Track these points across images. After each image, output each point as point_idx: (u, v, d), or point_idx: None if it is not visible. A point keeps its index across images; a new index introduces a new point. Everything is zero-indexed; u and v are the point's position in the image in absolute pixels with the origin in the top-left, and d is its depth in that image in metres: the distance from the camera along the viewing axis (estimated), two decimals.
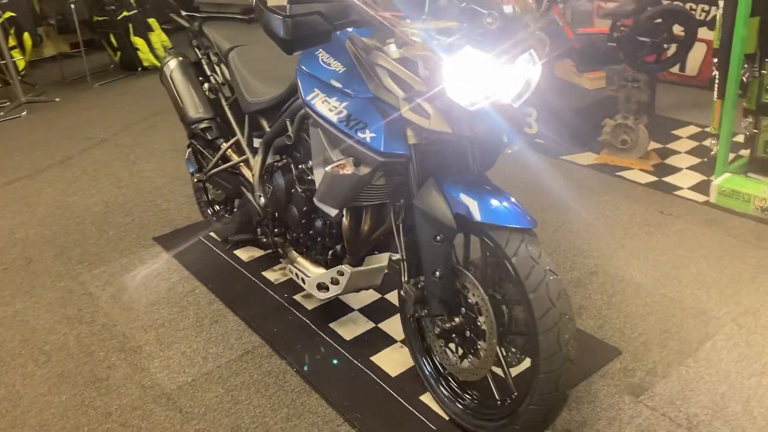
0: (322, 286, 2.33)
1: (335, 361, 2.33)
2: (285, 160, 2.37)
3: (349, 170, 1.85)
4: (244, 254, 3.08)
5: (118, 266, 3.09)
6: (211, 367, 2.38)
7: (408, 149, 1.80)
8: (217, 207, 3.23)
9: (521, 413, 1.75)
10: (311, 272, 2.36)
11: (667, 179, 3.44)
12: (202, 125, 2.74)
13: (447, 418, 2.05)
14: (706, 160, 3.58)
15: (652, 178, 3.46)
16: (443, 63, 1.63)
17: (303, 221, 2.31)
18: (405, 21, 1.74)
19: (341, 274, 2.26)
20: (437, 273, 1.83)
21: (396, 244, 2.01)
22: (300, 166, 2.28)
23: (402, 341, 2.41)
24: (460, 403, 2.00)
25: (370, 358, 2.34)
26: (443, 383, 2.06)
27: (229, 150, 2.72)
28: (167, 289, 2.88)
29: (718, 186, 3.09)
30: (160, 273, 3.00)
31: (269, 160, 2.48)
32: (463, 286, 1.85)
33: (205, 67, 2.88)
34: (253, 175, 2.58)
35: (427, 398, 2.13)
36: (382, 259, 2.34)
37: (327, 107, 1.89)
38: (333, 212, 2.04)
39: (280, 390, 2.23)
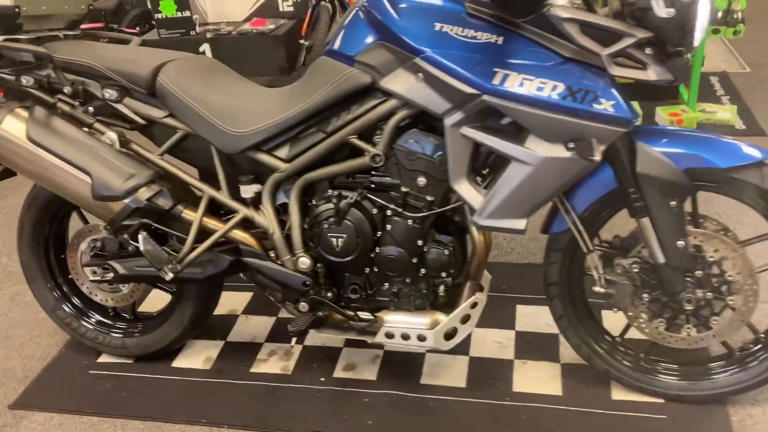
0: (449, 334, 1.80)
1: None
2: (352, 195, 1.71)
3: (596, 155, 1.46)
4: (173, 362, 2.16)
5: None
6: None
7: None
8: (110, 321, 2.17)
9: None
10: (425, 323, 1.80)
11: None
12: (146, 193, 1.76)
13: (661, 400, 1.85)
14: None
15: None
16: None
17: (414, 261, 1.73)
18: None
19: (474, 305, 1.79)
20: (680, 243, 1.61)
21: None
22: (402, 190, 1.68)
23: (520, 357, 2.05)
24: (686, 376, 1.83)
25: (514, 390, 1.93)
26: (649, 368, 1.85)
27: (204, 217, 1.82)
28: None
29: None
30: None
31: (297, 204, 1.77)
32: (696, 246, 1.67)
33: (77, 112, 1.84)
34: (270, 236, 1.80)
35: (617, 392, 1.88)
36: None
37: (533, 86, 1.44)
38: (522, 225, 1.59)
39: None
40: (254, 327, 2.29)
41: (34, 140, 1.78)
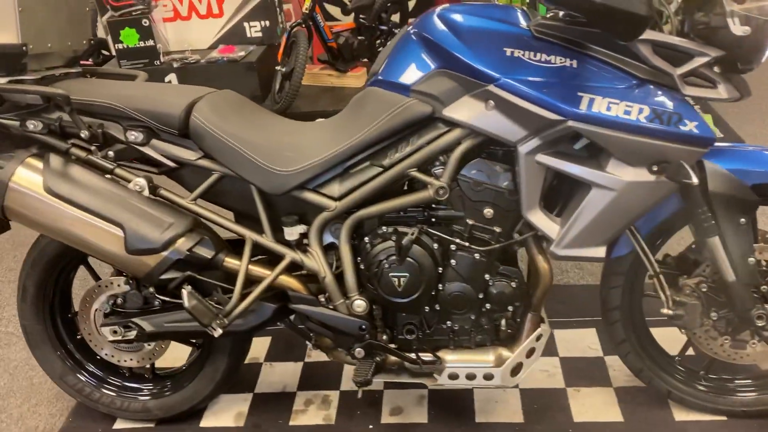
0: (514, 370, 1.72)
1: None
2: (412, 230, 1.61)
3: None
4: (201, 422, 1.99)
5: None
6: None
7: None
8: (132, 384, 1.97)
9: None
10: (490, 360, 1.71)
11: None
12: (187, 243, 1.60)
13: (724, 417, 1.83)
14: None
15: None
16: None
17: (480, 296, 1.65)
18: None
19: (539, 338, 1.72)
20: (751, 259, 1.60)
21: None
22: (468, 222, 1.59)
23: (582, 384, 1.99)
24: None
25: (575, 421, 1.87)
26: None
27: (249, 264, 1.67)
28: None
29: None
30: None
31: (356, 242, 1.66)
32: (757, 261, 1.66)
33: (94, 157, 1.67)
34: (321, 279, 1.67)
35: (679, 413, 1.85)
36: None
37: (620, 110, 1.40)
38: (602, 252, 1.54)
39: None
40: (282, 375, 2.13)
41: (53, 192, 1.59)
